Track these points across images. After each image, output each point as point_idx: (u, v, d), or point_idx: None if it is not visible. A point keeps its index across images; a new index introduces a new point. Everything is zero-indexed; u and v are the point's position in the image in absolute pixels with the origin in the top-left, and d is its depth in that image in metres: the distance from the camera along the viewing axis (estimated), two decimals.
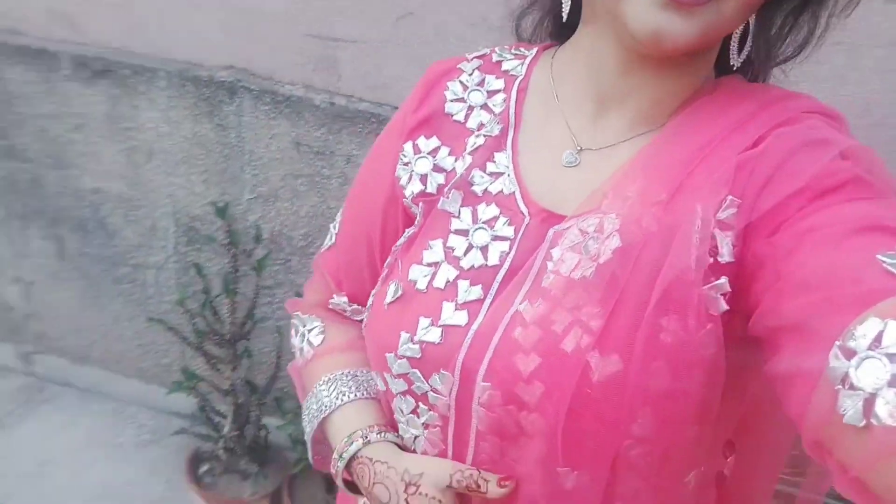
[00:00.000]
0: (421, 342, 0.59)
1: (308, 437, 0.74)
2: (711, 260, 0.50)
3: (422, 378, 0.60)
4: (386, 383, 0.64)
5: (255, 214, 1.76)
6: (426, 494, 0.60)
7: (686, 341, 0.50)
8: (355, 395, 0.71)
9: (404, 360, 0.60)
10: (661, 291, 0.50)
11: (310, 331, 0.78)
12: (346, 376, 0.72)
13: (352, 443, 0.66)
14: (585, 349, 0.51)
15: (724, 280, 0.50)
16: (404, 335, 0.60)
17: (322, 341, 0.76)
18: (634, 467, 0.53)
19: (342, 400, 0.70)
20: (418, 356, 0.59)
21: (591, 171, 0.60)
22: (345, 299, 0.76)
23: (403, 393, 0.62)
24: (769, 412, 0.65)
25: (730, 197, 0.51)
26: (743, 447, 0.68)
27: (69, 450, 2.15)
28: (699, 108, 0.58)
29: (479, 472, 0.59)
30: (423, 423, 0.62)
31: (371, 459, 0.65)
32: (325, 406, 0.71)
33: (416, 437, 0.64)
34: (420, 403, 0.61)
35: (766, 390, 0.59)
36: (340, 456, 0.67)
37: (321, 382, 0.73)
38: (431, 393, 0.60)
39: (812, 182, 0.50)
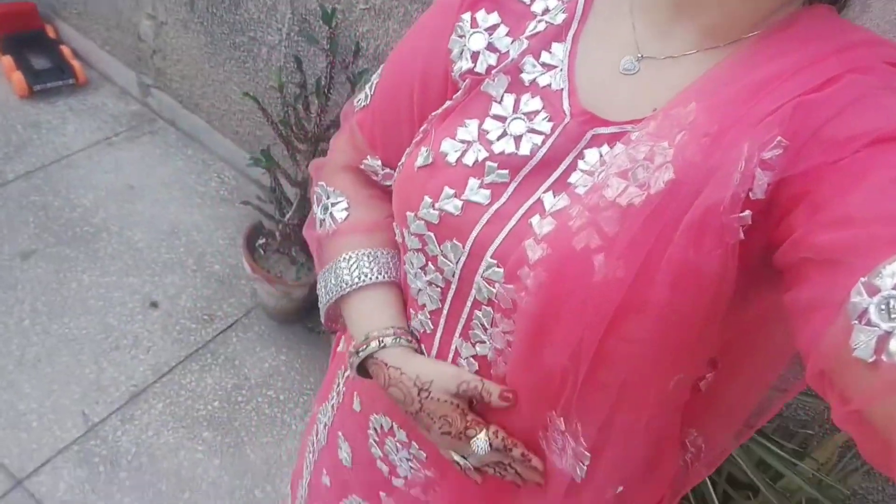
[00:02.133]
0: (441, 210, 0.61)
1: (322, 308, 0.78)
2: (743, 196, 0.50)
3: (435, 242, 0.63)
4: (402, 237, 0.67)
5: (364, 27, 1.75)
6: (437, 399, 0.65)
7: (694, 262, 0.50)
8: (375, 278, 0.73)
9: (422, 222, 0.63)
10: (687, 221, 0.50)
11: (334, 204, 0.78)
12: (368, 257, 0.74)
13: (368, 344, 0.69)
14: (594, 250, 0.52)
15: (748, 213, 0.50)
16: (427, 199, 0.62)
17: (346, 218, 0.77)
18: (616, 364, 0.55)
19: (363, 281, 0.73)
20: (436, 222, 0.62)
21: (648, 83, 0.58)
22: (378, 162, 0.76)
23: (416, 250, 0.65)
24: (758, 341, 0.66)
25: (779, 138, 0.49)
26: (724, 368, 0.70)
27: (157, 182, 2.36)
28: (775, 34, 0.54)
29: (484, 384, 0.63)
30: (427, 281, 0.66)
31: (385, 364, 0.68)
32: (346, 284, 0.73)
33: (419, 290, 0.68)
34: (430, 263, 0.65)
35: (759, 320, 0.62)
36: (357, 353, 0.70)
37: (342, 259, 0.75)
38: (441, 257, 0.63)
39: (872, 129, 0.48)
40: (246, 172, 2.41)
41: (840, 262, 0.44)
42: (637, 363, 0.55)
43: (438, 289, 0.65)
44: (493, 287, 0.59)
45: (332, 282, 0.75)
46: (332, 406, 0.88)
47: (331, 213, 0.78)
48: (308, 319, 2.10)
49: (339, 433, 0.85)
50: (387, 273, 0.74)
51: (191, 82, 2.37)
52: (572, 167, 0.58)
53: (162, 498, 1.67)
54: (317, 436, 0.92)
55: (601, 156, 0.56)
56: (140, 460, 1.72)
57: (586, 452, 0.59)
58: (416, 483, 0.76)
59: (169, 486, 1.70)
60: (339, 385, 0.86)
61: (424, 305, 0.68)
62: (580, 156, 0.58)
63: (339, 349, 0.91)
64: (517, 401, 0.62)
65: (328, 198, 0.79)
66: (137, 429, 1.77)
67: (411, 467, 0.76)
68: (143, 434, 1.77)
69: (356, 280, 0.73)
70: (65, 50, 2.55)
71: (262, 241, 2.03)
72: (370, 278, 0.73)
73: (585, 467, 0.61)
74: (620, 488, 0.69)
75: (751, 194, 0.50)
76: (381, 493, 0.80)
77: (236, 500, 1.72)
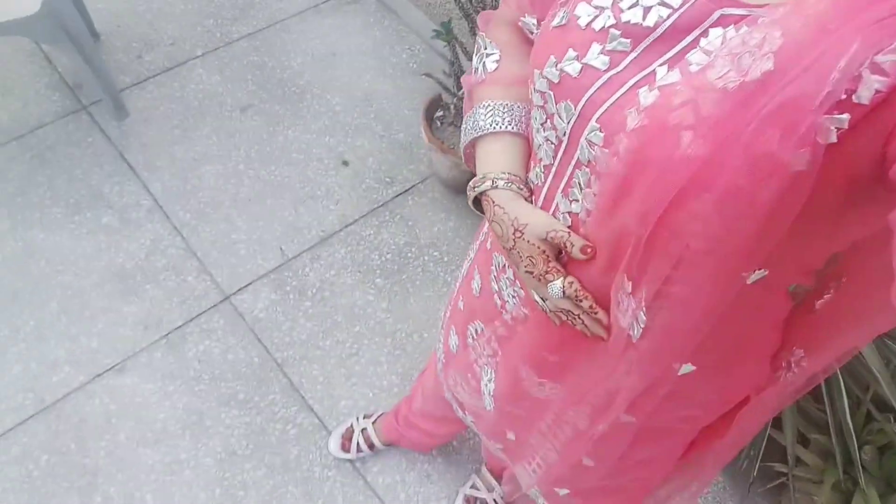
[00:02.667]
0: (562, 70, 0.65)
1: (461, 146, 0.89)
2: (844, 97, 0.48)
3: (553, 101, 0.67)
4: (531, 92, 0.73)
5: None
6: (528, 241, 0.73)
7: (778, 154, 0.50)
8: (506, 127, 0.81)
9: (545, 80, 0.67)
10: (776, 104, 0.50)
11: (488, 55, 0.85)
12: (504, 107, 0.82)
13: (483, 182, 0.79)
14: (686, 127, 0.54)
15: (846, 116, 0.49)
16: (552, 59, 0.66)
17: (495, 69, 0.84)
18: (680, 236, 0.57)
19: (494, 128, 0.82)
20: (556, 81, 0.66)
21: None
22: (534, 21, 0.81)
23: (539, 106, 0.71)
24: (875, 263, 0.64)
25: None
26: (847, 288, 0.70)
27: (356, 50, 2.54)
28: None
29: (570, 236, 0.70)
30: (545, 137, 0.71)
31: (493, 201, 0.78)
32: (479, 128, 0.83)
33: (539, 145, 0.73)
34: (548, 120, 0.70)
35: (875, 241, 0.60)
36: (473, 187, 0.81)
37: (481, 106, 0.83)
38: (557, 116, 0.68)
39: None
40: (434, 46, 2.51)
41: None
42: (699, 240, 0.57)
43: (552, 145, 0.70)
44: (594, 150, 0.63)
45: (470, 125, 0.85)
46: (477, 245, 1.00)
47: (484, 62, 0.85)
48: None
49: (476, 266, 0.97)
50: (517, 125, 0.82)
51: None
52: (693, 44, 0.58)
53: (336, 327, 1.95)
54: (463, 268, 1.06)
55: (725, 37, 0.56)
56: (322, 294, 2.00)
57: (643, 315, 0.64)
58: (517, 318, 0.86)
59: (343, 319, 1.97)
60: (485, 227, 0.97)
61: (541, 159, 0.74)
62: (704, 34, 0.58)
63: None
64: (595, 257, 0.68)
65: (485, 48, 0.86)
66: (322, 267, 2.05)
67: (515, 303, 0.86)
68: (326, 272, 2.04)
69: (488, 126, 0.82)
70: None
71: (440, 113, 2.15)
72: (501, 126, 0.82)
73: (641, 328, 0.65)
74: (690, 367, 0.73)
75: (854, 97, 0.49)
76: (496, 322, 0.92)
77: (397, 339, 1.95)
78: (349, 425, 1.78)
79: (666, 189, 0.56)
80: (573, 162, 0.68)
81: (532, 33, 0.83)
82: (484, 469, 1.73)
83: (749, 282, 0.63)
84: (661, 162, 0.56)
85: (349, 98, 2.41)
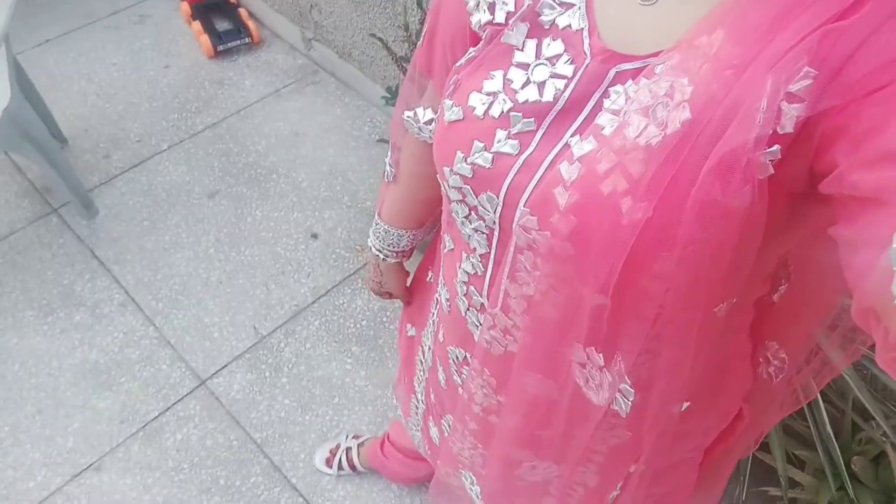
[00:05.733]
0: (473, 164, 0.63)
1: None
2: (770, 132, 0.48)
3: (472, 194, 0.65)
4: (445, 190, 0.70)
5: None
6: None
7: (721, 200, 0.49)
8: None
9: (458, 176, 0.65)
10: (712, 161, 0.49)
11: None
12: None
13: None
14: (621, 194, 0.52)
15: (776, 148, 0.49)
16: (459, 154, 0.63)
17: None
18: (650, 298, 0.56)
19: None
20: (470, 175, 0.63)
21: (669, 12, 0.56)
22: (421, 110, 0.81)
23: (458, 201, 0.68)
24: (819, 254, 0.64)
25: (806, 68, 0.47)
26: (794, 279, 0.70)
27: (318, 129, 2.60)
28: None
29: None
30: (473, 228, 0.69)
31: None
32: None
33: (469, 236, 0.71)
34: (472, 212, 0.67)
35: (819, 234, 0.59)
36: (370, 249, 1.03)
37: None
38: (480, 208, 0.65)
39: None
40: (391, 113, 2.57)
41: (883, 203, 0.42)
42: (671, 297, 0.55)
43: (484, 234, 0.68)
44: (530, 234, 0.60)
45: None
46: (431, 332, 0.97)
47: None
48: None
49: (437, 357, 0.94)
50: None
51: (343, 33, 2.56)
52: (598, 108, 0.57)
53: (315, 400, 1.92)
54: (423, 356, 1.03)
55: (626, 93, 0.54)
56: (299, 368, 1.98)
57: (630, 389, 0.62)
58: (490, 410, 0.82)
59: (321, 391, 1.94)
60: (434, 315, 0.95)
61: (475, 249, 0.71)
62: (605, 95, 0.56)
63: (428, 279, 1.02)
64: (550, 333, 0.65)
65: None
66: (297, 341, 2.03)
67: (485, 393, 0.81)
68: (302, 346, 2.03)
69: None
70: (242, 12, 2.85)
71: None
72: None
73: (630, 403, 0.64)
74: (687, 404, 0.71)
75: (779, 129, 0.48)
76: (466, 417, 0.87)
77: (377, 406, 1.92)
78: (338, 443, 1.80)
79: (621, 258, 0.54)
80: (511, 248, 0.65)
81: (418, 125, 0.82)
82: None
83: (719, 314, 0.62)
84: (607, 233, 0.54)
85: (315, 173, 2.45)
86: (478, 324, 0.76)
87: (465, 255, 0.74)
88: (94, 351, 1.99)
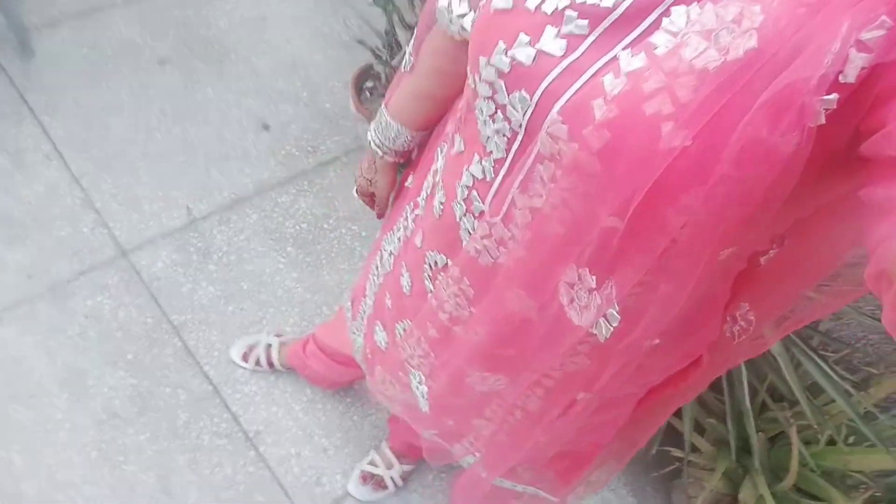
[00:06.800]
0: (513, 58, 0.58)
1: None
2: (832, 78, 0.46)
3: (504, 91, 0.60)
4: (474, 83, 0.66)
5: None
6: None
7: (767, 140, 0.48)
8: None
9: (493, 69, 0.60)
10: (772, 91, 0.47)
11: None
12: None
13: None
14: (664, 117, 0.50)
15: (834, 96, 0.47)
16: (501, 45, 0.59)
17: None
18: (666, 232, 0.54)
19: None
20: (507, 70, 0.59)
21: None
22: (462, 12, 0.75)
23: (487, 97, 0.64)
24: (824, 229, 0.65)
25: (884, 17, 0.45)
26: (788, 248, 0.70)
27: (287, 17, 2.46)
28: None
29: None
30: (496, 129, 0.64)
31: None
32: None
33: (488, 138, 0.66)
34: (499, 111, 0.63)
35: (832, 207, 0.60)
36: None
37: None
38: (510, 107, 0.61)
39: None
40: (368, 20, 2.45)
41: None
42: (686, 233, 0.54)
43: (505, 138, 0.64)
44: (557, 143, 0.57)
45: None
46: (399, 238, 0.92)
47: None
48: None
49: (403, 263, 0.89)
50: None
51: None
52: (656, 24, 0.53)
53: (241, 293, 1.86)
54: (381, 261, 0.99)
55: (689, 15, 0.51)
56: (229, 258, 1.91)
57: (617, 315, 0.60)
58: (458, 318, 0.79)
59: (249, 286, 1.88)
60: (406, 219, 0.90)
61: (490, 153, 0.67)
62: (666, 13, 0.53)
63: (406, 184, 0.98)
64: (549, 249, 0.63)
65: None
66: (232, 231, 1.95)
67: (458, 304, 0.78)
68: (236, 237, 1.95)
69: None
70: None
71: (370, 83, 2.10)
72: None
73: (612, 328, 0.62)
74: (657, 341, 0.70)
75: (840, 77, 0.46)
76: (427, 324, 0.84)
77: (305, 310, 1.88)
78: (258, 339, 1.76)
79: (648, 183, 0.51)
80: (532, 156, 0.61)
81: (451, 21, 0.76)
82: (384, 445, 1.67)
83: (721, 258, 0.61)
84: (641, 155, 0.51)
85: (276, 63, 2.32)
86: (471, 231, 0.72)
87: (477, 157, 0.69)
88: (9, 198, 1.85)
